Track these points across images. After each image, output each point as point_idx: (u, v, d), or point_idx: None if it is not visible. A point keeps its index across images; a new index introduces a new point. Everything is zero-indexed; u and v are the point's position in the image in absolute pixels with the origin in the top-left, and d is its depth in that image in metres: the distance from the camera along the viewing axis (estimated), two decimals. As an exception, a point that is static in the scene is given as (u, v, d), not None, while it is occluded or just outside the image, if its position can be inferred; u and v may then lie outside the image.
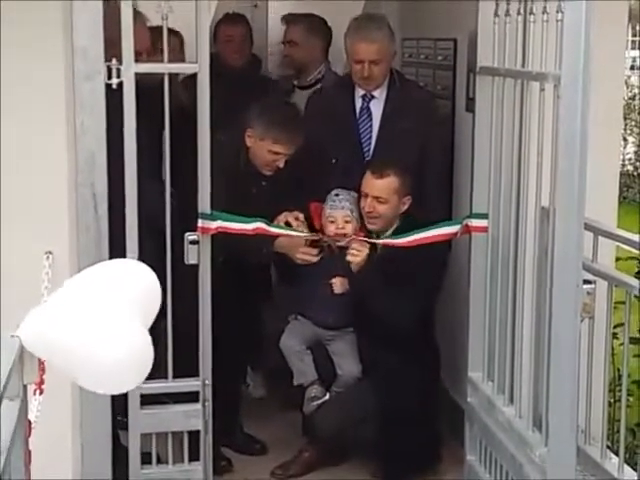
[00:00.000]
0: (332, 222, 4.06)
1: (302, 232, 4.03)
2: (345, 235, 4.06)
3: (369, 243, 4.01)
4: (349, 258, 4.01)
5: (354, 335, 4.21)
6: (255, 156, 4.08)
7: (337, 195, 4.12)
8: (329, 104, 4.50)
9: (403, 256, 3.97)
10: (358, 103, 4.42)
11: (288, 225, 4.02)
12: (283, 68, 5.30)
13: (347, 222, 4.06)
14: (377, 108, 4.41)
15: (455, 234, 3.82)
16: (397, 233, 4.08)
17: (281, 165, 4.05)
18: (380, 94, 4.40)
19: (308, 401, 4.15)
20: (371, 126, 4.41)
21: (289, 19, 5.20)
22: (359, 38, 4.27)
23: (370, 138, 4.40)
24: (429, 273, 4.09)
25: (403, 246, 3.93)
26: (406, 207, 4.12)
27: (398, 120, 4.35)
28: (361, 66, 4.25)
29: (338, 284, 4.07)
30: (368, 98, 4.40)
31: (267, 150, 4.03)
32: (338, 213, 4.06)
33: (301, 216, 4.06)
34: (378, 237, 4.11)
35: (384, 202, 4.05)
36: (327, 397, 4.15)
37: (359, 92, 4.40)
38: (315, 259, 4.03)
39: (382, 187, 4.05)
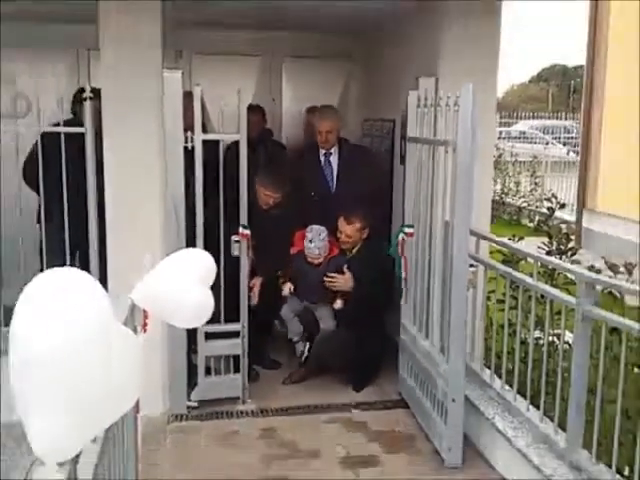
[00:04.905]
0: (310, 256, 4.10)
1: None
2: (319, 259, 4.07)
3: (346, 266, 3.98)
4: (328, 284, 4.01)
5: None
6: (258, 197, 4.07)
7: (311, 242, 4.05)
8: (308, 159, 4.49)
9: (365, 262, 4.04)
10: (322, 158, 4.43)
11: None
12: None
13: (318, 258, 4.07)
14: (334, 160, 4.41)
15: (404, 240, 3.77)
16: (359, 250, 4.12)
17: (271, 203, 4.04)
18: (335, 151, 4.43)
19: (298, 352, 4.17)
20: (332, 171, 4.41)
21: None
22: (320, 119, 4.38)
23: (332, 179, 4.41)
24: (382, 273, 4.01)
25: (365, 256, 3.97)
26: (365, 235, 4.15)
27: (348, 167, 4.38)
28: (322, 134, 4.35)
29: (338, 303, 4.04)
30: (328, 154, 4.43)
31: (263, 193, 4.04)
32: (313, 254, 4.06)
33: (259, 282, 4.05)
34: (347, 253, 4.15)
35: (352, 237, 4.11)
36: (308, 347, 4.10)
37: (322, 151, 4.43)
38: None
39: (351, 229, 4.09)
